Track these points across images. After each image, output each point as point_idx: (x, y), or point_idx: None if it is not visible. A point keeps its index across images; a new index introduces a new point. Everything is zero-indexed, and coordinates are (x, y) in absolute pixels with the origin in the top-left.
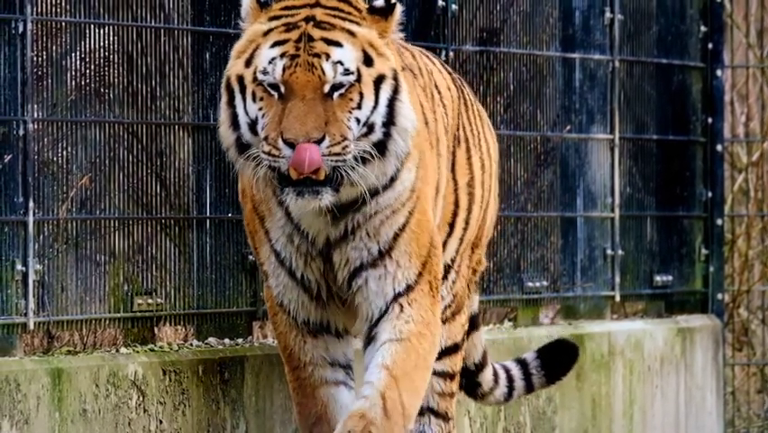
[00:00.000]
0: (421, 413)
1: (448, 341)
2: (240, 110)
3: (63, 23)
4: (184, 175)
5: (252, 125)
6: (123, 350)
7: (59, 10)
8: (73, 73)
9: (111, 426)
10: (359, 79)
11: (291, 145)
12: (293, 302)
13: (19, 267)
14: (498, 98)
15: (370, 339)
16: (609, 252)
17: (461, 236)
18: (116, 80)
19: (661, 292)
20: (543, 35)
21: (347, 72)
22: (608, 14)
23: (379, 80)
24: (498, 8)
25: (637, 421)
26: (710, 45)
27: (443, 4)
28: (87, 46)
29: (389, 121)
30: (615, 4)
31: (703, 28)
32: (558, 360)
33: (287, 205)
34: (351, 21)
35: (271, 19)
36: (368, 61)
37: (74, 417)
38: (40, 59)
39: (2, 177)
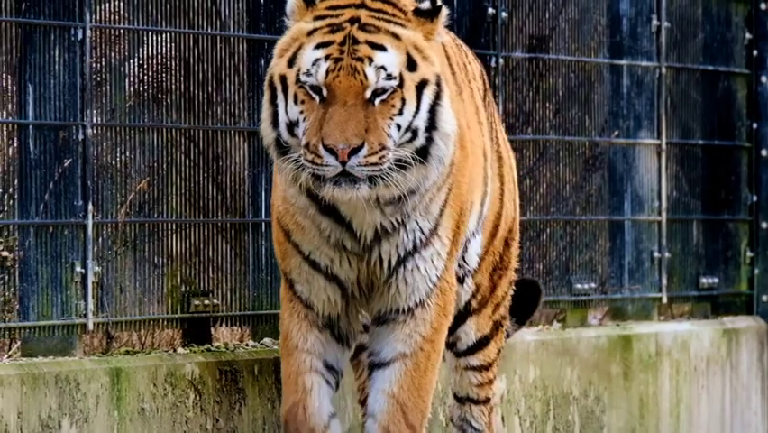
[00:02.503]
0: (462, 402)
1: (477, 334)
2: (281, 109)
3: (121, 31)
4: (240, 179)
5: (291, 126)
6: (180, 350)
7: (117, 17)
8: (131, 79)
9: (168, 424)
10: (401, 85)
11: (332, 151)
12: (324, 302)
13: (78, 269)
14: (548, 104)
15: (380, 321)
16: (656, 254)
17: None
18: (173, 86)
19: (707, 294)
20: (591, 42)
21: (390, 77)
22: (654, 22)
23: (421, 85)
24: (548, 16)
25: (684, 420)
26: (755, 52)
27: (494, 11)
28: (145, 53)
29: (431, 126)
30: (662, 12)
31: (748, 35)
32: (523, 301)
33: (330, 202)
34: (396, 23)
35: (316, 18)
36: (411, 66)
37: (132, 415)
38: (98, 65)
39: (62, 181)
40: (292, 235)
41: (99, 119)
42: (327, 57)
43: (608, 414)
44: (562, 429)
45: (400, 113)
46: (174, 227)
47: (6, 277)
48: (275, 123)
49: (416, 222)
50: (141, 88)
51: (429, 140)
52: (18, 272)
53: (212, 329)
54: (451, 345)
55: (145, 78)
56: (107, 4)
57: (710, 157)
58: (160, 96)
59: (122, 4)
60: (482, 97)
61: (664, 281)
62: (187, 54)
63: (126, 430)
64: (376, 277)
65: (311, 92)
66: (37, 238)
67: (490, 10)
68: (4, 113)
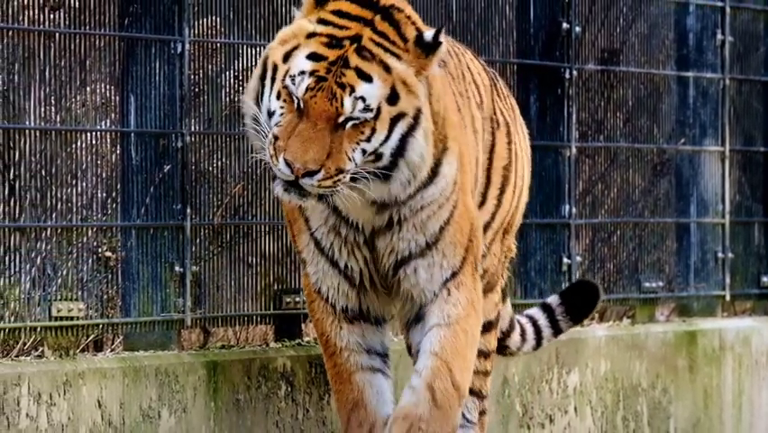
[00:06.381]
0: None
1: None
2: (266, 95)
3: (218, 44)
4: None
5: (270, 114)
6: (272, 345)
7: (214, 32)
8: (227, 90)
9: (262, 414)
10: (377, 116)
11: (289, 165)
12: (331, 289)
13: (177, 268)
14: (618, 114)
15: (417, 319)
16: (720, 255)
17: (493, 212)
18: None
19: (767, 292)
20: (659, 55)
21: (366, 109)
22: (719, 36)
23: (397, 117)
24: (618, 30)
25: (745, 411)
26: None
27: (568, 26)
28: (240, 65)
29: (398, 153)
30: (726, 27)
31: None
32: (581, 302)
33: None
34: (392, 53)
35: (320, 21)
36: (393, 99)
37: (228, 406)
38: (196, 77)
39: (162, 185)
40: (305, 210)
41: (197, 127)
42: (312, 72)
43: (675, 405)
44: (630, 419)
45: (368, 140)
46: (267, 229)
47: (110, 276)
48: (257, 100)
49: (409, 233)
50: (236, 99)
51: (393, 164)
52: (120, 272)
53: (302, 325)
54: None
55: (240, 88)
56: (205, 20)
57: None
58: None
59: (218, 19)
60: (487, 94)
61: (728, 280)
62: None
63: (222, 420)
64: (383, 271)
65: (292, 96)
66: (138, 239)
67: (565, 25)
68: (108, 121)
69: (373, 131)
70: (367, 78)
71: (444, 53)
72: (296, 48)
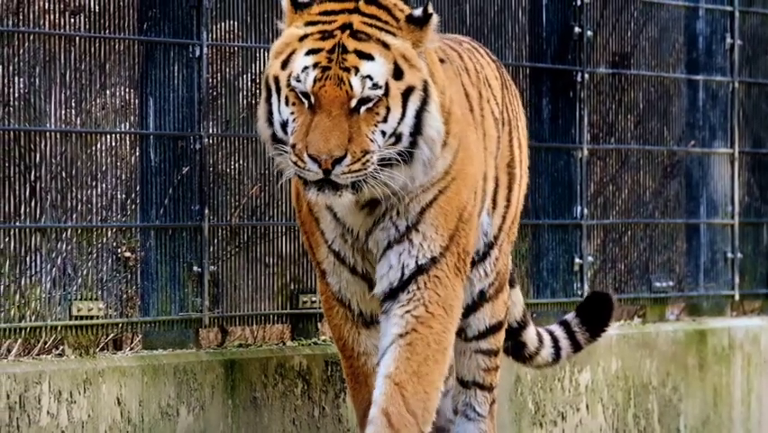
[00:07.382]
0: (467, 387)
1: (492, 319)
2: (275, 109)
3: (236, 48)
4: None
5: (284, 125)
6: (289, 343)
7: (231, 36)
8: (245, 93)
9: (278, 412)
10: (387, 93)
11: (315, 160)
12: (355, 296)
13: (195, 268)
14: (629, 116)
15: (384, 312)
16: (729, 255)
17: (504, 214)
18: None
19: None
20: (669, 59)
21: (375, 87)
22: (728, 40)
23: (407, 92)
24: (629, 34)
25: (754, 409)
26: None
27: (580, 30)
28: (257, 68)
29: (417, 131)
30: (735, 31)
31: None
32: (596, 311)
33: (330, 205)
34: (387, 31)
35: (308, 24)
36: (398, 74)
37: (245, 404)
38: (214, 80)
39: (180, 187)
40: (321, 222)
41: (215, 130)
42: (316, 65)
43: (685, 403)
44: (641, 417)
45: (385, 120)
46: (284, 230)
47: (129, 276)
48: (270, 120)
49: (391, 220)
50: (253, 101)
51: (413, 144)
52: (140, 271)
53: (318, 324)
54: (459, 332)
55: (258, 91)
56: (223, 24)
57: None
58: None
59: (236, 23)
60: (501, 101)
61: (737, 280)
62: None
63: (239, 418)
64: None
65: (301, 96)
66: (157, 240)
67: (577, 29)
68: (127, 124)
69: (388, 110)
70: (368, 57)
71: (437, 28)
72: (292, 53)
